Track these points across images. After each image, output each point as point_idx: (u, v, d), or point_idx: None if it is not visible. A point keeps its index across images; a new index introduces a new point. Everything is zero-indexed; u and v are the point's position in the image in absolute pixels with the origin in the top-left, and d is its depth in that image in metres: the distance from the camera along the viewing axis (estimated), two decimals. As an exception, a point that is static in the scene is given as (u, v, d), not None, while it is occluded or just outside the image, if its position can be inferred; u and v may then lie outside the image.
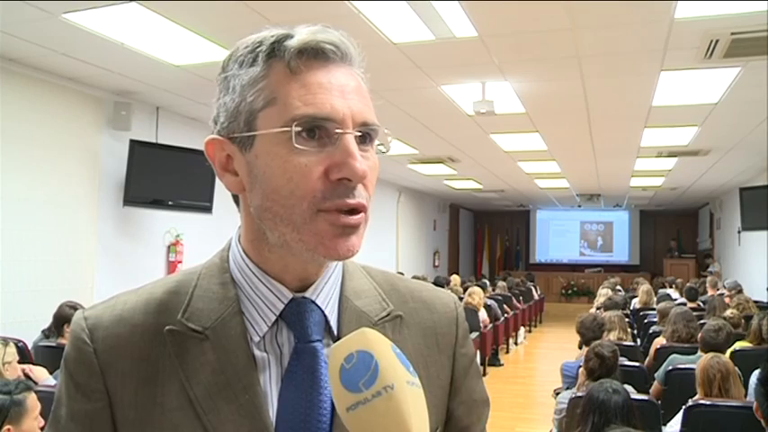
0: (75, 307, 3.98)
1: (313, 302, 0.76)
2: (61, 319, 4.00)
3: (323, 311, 0.77)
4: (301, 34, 0.72)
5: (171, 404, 0.71)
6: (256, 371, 0.73)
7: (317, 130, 0.69)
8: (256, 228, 0.74)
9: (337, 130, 0.69)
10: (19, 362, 3.23)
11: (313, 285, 0.77)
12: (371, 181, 0.74)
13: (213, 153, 0.76)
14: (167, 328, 0.74)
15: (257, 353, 0.74)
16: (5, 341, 3.16)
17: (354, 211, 0.71)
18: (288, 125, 0.69)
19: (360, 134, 0.71)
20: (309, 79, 0.70)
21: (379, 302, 0.82)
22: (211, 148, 0.76)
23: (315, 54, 0.71)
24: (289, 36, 0.72)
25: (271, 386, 0.74)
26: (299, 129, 0.68)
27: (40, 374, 3.39)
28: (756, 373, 3.23)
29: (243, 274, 0.77)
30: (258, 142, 0.71)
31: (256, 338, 0.74)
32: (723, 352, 3.63)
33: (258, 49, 0.72)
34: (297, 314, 0.75)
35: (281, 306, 0.75)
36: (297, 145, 0.68)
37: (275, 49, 0.71)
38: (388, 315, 0.81)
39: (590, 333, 4.48)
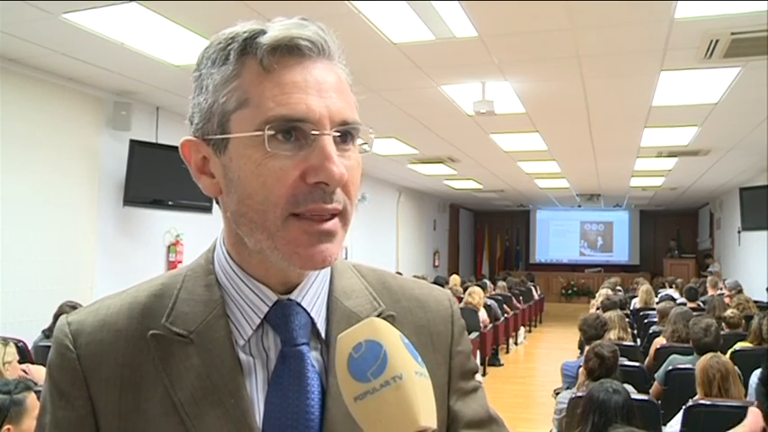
0: (74, 307, 3.98)
1: (299, 305, 0.74)
2: (61, 318, 3.99)
3: (309, 314, 0.75)
4: (274, 30, 0.68)
5: (155, 410, 0.69)
6: (242, 375, 0.71)
7: (293, 131, 0.66)
8: (234, 232, 0.72)
9: (314, 132, 0.66)
10: (19, 362, 3.24)
11: (298, 287, 0.75)
12: (353, 182, 0.70)
13: (189, 155, 0.73)
14: (151, 332, 0.72)
15: (243, 357, 0.72)
16: (5, 341, 3.17)
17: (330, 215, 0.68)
18: (261, 128, 0.66)
19: (339, 134, 0.68)
20: (284, 78, 0.67)
21: (370, 302, 0.80)
22: (187, 149, 0.73)
23: (289, 50, 0.68)
24: (262, 32, 0.69)
25: (257, 391, 0.72)
26: (273, 132, 0.65)
27: (40, 374, 3.39)
28: (757, 372, 3.24)
29: (227, 276, 0.75)
30: (232, 145, 0.68)
31: (241, 342, 0.73)
32: (717, 351, 3.62)
33: (230, 47, 0.69)
34: (282, 317, 0.73)
35: (266, 309, 0.73)
36: (270, 149, 0.66)
37: (248, 46, 0.68)
38: (379, 315, 0.78)
39: (592, 330, 4.50)
